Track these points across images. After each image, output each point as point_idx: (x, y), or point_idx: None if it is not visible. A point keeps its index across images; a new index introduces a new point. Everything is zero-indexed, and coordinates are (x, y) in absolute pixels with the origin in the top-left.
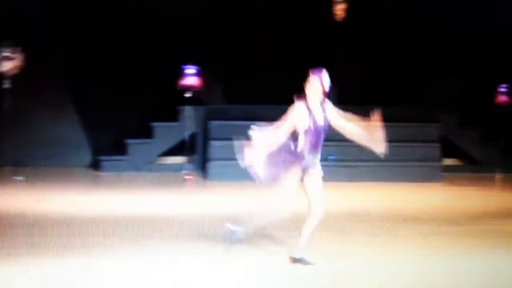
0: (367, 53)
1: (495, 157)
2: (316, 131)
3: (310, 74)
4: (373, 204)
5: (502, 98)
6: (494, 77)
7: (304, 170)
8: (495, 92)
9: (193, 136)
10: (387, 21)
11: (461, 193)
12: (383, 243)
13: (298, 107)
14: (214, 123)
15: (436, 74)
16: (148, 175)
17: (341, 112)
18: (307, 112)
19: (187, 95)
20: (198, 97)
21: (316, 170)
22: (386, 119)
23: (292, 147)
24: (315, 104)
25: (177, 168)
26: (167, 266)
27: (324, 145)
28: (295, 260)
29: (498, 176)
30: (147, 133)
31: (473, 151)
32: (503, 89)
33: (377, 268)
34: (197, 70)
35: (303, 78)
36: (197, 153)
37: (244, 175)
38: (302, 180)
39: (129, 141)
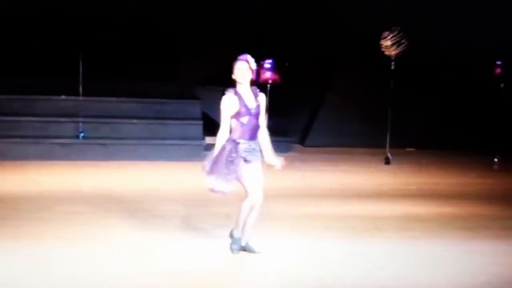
0: (123, 28)
1: None
2: (247, 116)
3: (237, 59)
4: (128, 184)
5: (267, 75)
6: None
7: (244, 159)
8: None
9: None
10: None
11: None
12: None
13: (228, 97)
14: None
15: (195, 50)
16: None
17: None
18: (236, 98)
19: None
20: None
21: (255, 158)
22: (143, 95)
23: (230, 144)
24: (244, 89)
25: None
26: None
27: (75, 121)
28: (242, 248)
29: None
30: None
31: None
32: (266, 64)
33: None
34: None
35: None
36: None
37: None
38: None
39: None
